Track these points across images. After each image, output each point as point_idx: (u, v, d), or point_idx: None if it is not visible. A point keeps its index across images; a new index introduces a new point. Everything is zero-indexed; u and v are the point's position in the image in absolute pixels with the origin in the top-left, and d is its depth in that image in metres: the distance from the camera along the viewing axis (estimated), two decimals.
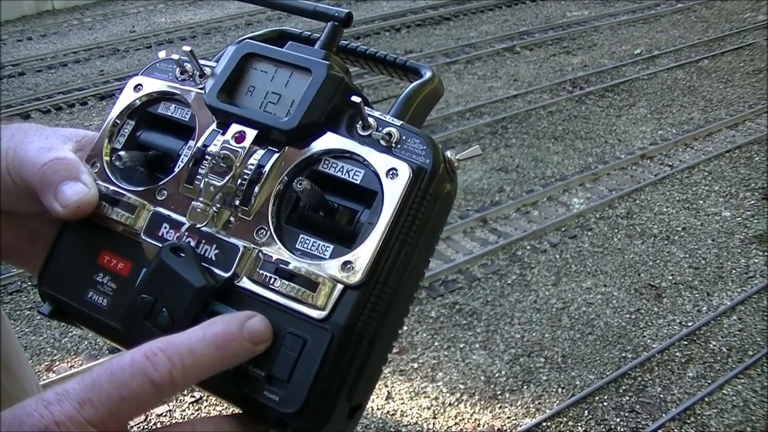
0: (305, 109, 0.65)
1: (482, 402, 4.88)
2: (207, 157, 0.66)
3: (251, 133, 0.66)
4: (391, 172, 0.62)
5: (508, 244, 6.41)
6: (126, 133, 0.74)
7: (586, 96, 9.45)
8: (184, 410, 4.78)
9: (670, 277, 6.07)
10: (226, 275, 0.63)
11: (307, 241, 0.64)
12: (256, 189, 0.65)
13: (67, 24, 13.39)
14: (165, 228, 0.66)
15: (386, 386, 4.98)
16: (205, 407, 4.80)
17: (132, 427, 0.59)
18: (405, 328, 5.41)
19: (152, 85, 0.74)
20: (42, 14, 13.96)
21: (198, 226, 0.65)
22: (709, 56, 10.67)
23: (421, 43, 11.61)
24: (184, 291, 0.61)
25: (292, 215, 0.65)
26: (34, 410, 0.52)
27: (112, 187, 0.70)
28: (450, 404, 4.87)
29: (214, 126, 0.68)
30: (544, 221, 6.77)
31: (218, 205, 0.65)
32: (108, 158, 0.72)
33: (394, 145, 0.64)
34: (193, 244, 0.65)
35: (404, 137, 0.65)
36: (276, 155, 0.66)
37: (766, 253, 6.32)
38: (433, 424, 4.73)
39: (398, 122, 0.66)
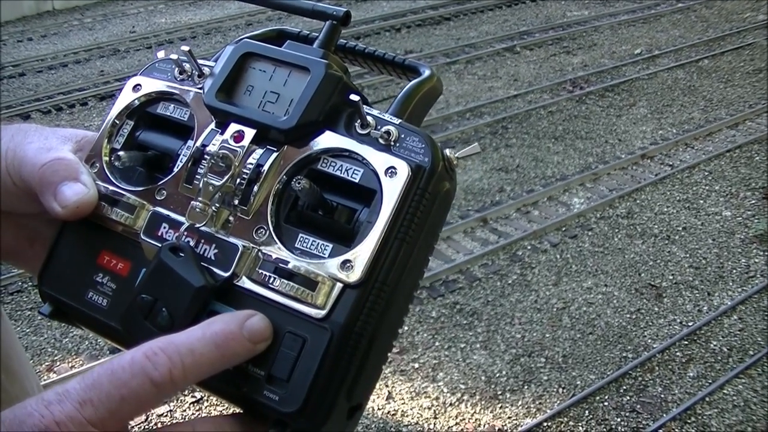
0: (304, 108, 0.65)
1: (483, 402, 4.88)
2: (206, 156, 0.66)
3: (250, 133, 0.66)
4: (390, 171, 0.62)
5: (508, 244, 6.41)
6: (125, 134, 0.74)
7: (587, 96, 9.45)
8: (184, 410, 4.78)
9: (671, 277, 6.07)
10: (226, 275, 0.63)
11: (307, 240, 0.64)
12: (255, 188, 0.65)
13: (67, 24, 13.39)
14: (164, 228, 0.66)
15: (387, 386, 4.98)
16: (206, 407, 4.81)
17: (132, 427, 0.59)
18: (405, 327, 5.41)
19: (151, 85, 0.74)
20: (42, 15, 13.96)
21: (197, 225, 0.65)
22: (710, 56, 10.67)
23: (421, 43, 11.61)
24: (184, 291, 0.61)
25: (291, 214, 0.65)
26: (34, 410, 0.52)
27: (111, 188, 0.70)
28: (451, 404, 4.87)
29: (212, 125, 0.68)
30: (544, 221, 6.77)
31: (217, 205, 0.65)
32: (107, 158, 0.72)
33: (392, 143, 0.64)
34: (192, 243, 0.65)
35: (403, 136, 0.64)
36: (275, 154, 0.66)
37: (766, 253, 6.32)
38: (434, 424, 4.73)
39: (397, 121, 0.66)
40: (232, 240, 0.64)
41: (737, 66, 10.33)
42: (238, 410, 0.64)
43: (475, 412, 4.80)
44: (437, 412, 4.81)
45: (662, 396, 4.88)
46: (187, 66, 0.73)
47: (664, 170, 7.69)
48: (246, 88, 0.69)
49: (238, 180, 0.65)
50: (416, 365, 5.17)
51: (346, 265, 0.61)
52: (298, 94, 0.66)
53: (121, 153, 0.70)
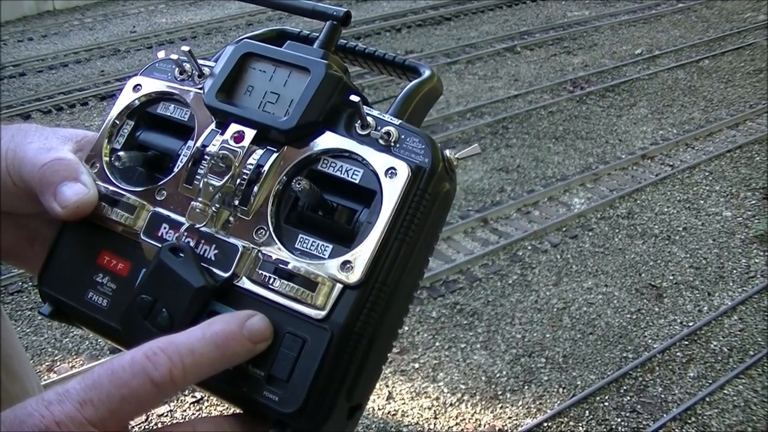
0: (304, 108, 0.65)
1: (483, 402, 4.88)
2: (206, 157, 0.66)
3: (250, 133, 0.66)
4: (390, 172, 0.62)
5: (509, 244, 6.41)
6: (125, 134, 0.74)
7: (587, 96, 9.45)
8: (185, 410, 4.78)
9: (671, 277, 6.07)
10: (226, 275, 0.63)
11: (307, 241, 0.64)
12: (255, 189, 0.65)
13: (67, 24, 13.40)
14: (164, 228, 0.66)
15: (387, 386, 4.98)
16: (206, 407, 4.81)
17: (133, 427, 0.59)
18: (405, 328, 5.41)
19: (151, 85, 0.74)
20: (43, 15, 13.96)
21: (197, 226, 0.65)
22: (710, 56, 10.67)
23: (421, 43, 11.61)
24: (184, 291, 0.61)
25: (291, 215, 0.65)
26: (34, 410, 0.52)
27: (111, 188, 0.70)
28: (451, 404, 4.87)
29: (213, 126, 0.68)
30: (545, 221, 6.77)
31: (217, 205, 0.65)
32: (107, 158, 0.72)
33: (393, 144, 0.64)
34: (192, 244, 0.65)
35: (403, 136, 0.64)
36: (275, 155, 0.66)
37: (766, 253, 6.32)
38: (434, 424, 4.73)
39: (397, 121, 0.66)
40: (232, 240, 0.64)
41: (738, 66, 10.33)
42: (238, 410, 0.64)
43: (475, 413, 4.80)
44: (437, 412, 4.82)
45: (662, 396, 4.88)
46: (187, 66, 0.73)
47: (665, 170, 7.69)
48: (246, 89, 0.69)
49: (239, 180, 0.65)
50: (416, 365, 5.17)
51: (346, 265, 0.61)
52: (299, 94, 0.66)
53: (121, 153, 0.70)
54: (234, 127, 0.66)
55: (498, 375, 5.09)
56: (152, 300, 0.62)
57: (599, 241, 6.55)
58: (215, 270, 0.63)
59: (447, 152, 0.65)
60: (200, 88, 0.71)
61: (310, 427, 0.60)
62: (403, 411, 4.82)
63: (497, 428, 4.70)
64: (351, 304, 0.60)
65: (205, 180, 0.65)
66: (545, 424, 4.69)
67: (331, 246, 0.63)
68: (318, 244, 0.63)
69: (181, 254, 0.63)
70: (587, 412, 4.77)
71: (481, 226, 6.73)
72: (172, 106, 0.73)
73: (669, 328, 5.50)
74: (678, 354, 5.23)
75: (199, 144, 0.68)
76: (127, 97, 0.74)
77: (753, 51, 10.83)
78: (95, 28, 13.22)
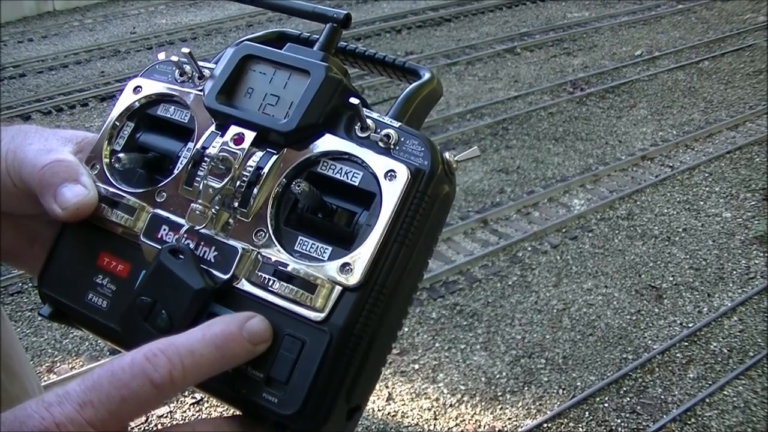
0: (303, 110, 0.65)
1: (483, 403, 4.88)
2: (206, 159, 0.66)
3: (250, 135, 0.66)
4: (389, 174, 0.62)
5: (508, 245, 6.41)
6: (125, 135, 0.74)
7: (587, 97, 9.46)
8: (184, 411, 4.78)
9: (671, 278, 6.07)
10: (225, 277, 0.63)
11: (306, 243, 0.64)
12: (255, 191, 0.65)
13: (67, 25, 13.40)
14: (164, 230, 0.66)
15: (387, 387, 4.98)
16: (206, 408, 4.81)
17: (133, 428, 0.59)
18: (405, 329, 5.41)
19: (151, 86, 0.74)
20: (43, 15, 13.96)
21: (197, 228, 0.65)
22: (710, 57, 10.67)
23: (421, 44, 11.62)
24: (183, 293, 0.61)
25: (291, 217, 0.65)
26: (34, 411, 0.52)
27: (111, 189, 0.70)
28: (451, 405, 4.87)
29: (213, 128, 0.68)
30: (544, 222, 6.77)
31: (217, 207, 0.65)
32: (107, 160, 0.72)
33: (392, 146, 0.64)
34: (192, 246, 0.65)
35: (403, 139, 0.65)
36: (275, 157, 0.66)
37: (766, 254, 6.32)
38: (434, 425, 4.73)
39: (397, 124, 0.66)
40: (231, 242, 0.64)
41: (737, 67, 10.33)
42: (237, 412, 0.64)
43: (475, 413, 4.80)
44: (437, 413, 4.81)
45: (662, 397, 4.88)
46: (187, 68, 0.73)
47: (665, 172, 7.69)
48: (246, 91, 0.69)
49: (238, 182, 0.65)
50: (416, 366, 5.17)
51: (345, 268, 0.61)
52: (298, 96, 0.66)
53: (121, 155, 0.70)
54: (234, 129, 0.67)
55: (498, 376, 5.09)
56: (152, 301, 0.62)
57: (599, 242, 6.55)
58: (215, 272, 0.63)
59: (446, 155, 0.65)
60: (200, 90, 0.71)
61: (309, 429, 0.60)
62: (402, 412, 4.82)
63: (497, 429, 4.70)
64: (350, 306, 0.60)
65: (205, 182, 0.65)
66: (545, 425, 4.69)
67: (330, 248, 0.63)
68: (317, 246, 0.63)
69: (180, 256, 0.63)
70: (587, 413, 4.77)
71: (481, 227, 6.73)
72: (173, 107, 0.73)
73: (669, 329, 5.50)
74: (678, 355, 5.23)
75: (199, 146, 0.68)
76: (127, 99, 0.74)
77: (753, 52, 10.84)
78: (95, 29, 13.22)
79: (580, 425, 4.68)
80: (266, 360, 0.60)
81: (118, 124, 0.74)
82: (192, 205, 0.65)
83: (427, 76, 0.73)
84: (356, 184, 0.64)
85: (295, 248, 0.64)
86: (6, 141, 0.72)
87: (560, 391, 4.95)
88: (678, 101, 9.38)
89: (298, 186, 0.62)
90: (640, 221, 6.85)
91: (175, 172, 0.69)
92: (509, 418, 4.76)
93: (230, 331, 0.58)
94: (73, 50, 11.80)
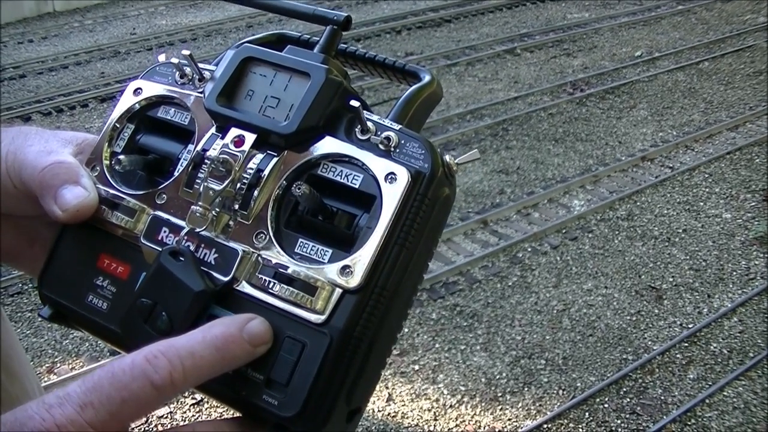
0: (304, 113, 0.65)
1: (483, 404, 4.88)
2: (206, 161, 0.66)
3: (250, 137, 0.66)
4: (389, 177, 0.62)
5: (508, 245, 6.41)
6: (126, 137, 0.74)
7: (587, 98, 9.46)
8: (184, 412, 4.78)
9: (671, 279, 6.07)
10: (226, 279, 0.63)
11: (306, 245, 0.64)
12: (255, 193, 0.65)
13: (67, 26, 13.40)
14: (164, 232, 0.66)
15: (387, 388, 4.98)
16: (206, 409, 4.81)
17: (133, 429, 0.59)
18: (405, 330, 5.41)
19: (152, 88, 0.74)
20: (43, 16, 13.97)
21: (197, 230, 0.65)
22: (710, 58, 10.68)
23: (421, 45, 11.62)
24: (184, 295, 0.61)
25: (291, 219, 0.65)
26: (35, 413, 0.52)
27: (111, 191, 0.70)
28: (451, 406, 4.87)
29: (213, 130, 0.68)
30: (544, 223, 6.78)
31: (217, 209, 0.65)
32: (108, 162, 0.72)
33: (392, 149, 0.64)
34: (192, 248, 0.65)
35: (403, 141, 0.65)
36: (275, 159, 0.66)
37: (766, 255, 6.32)
38: (434, 425, 4.73)
39: (397, 126, 0.66)
40: (232, 244, 0.64)
41: (737, 68, 10.34)
42: (237, 414, 0.64)
43: (475, 414, 4.80)
44: (437, 413, 4.82)
45: (662, 398, 4.88)
46: (187, 70, 0.74)
47: (665, 172, 7.69)
48: (247, 93, 0.69)
49: (239, 185, 0.65)
50: (416, 367, 5.17)
51: (345, 270, 0.61)
52: (299, 99, 0.66)
53: (121, 156, 0.71)
54: (234, 132, 0.67)
55: (498, 377, 5.09)
56: (152, 303, 0.62)
57: (599, 243, 6.55)
58: (215, 274, 0.64)
59: (447, 157, 0.65)
60: (201, 92, 0.71)
61: (309, 431, 0.60)
62: (402, 413, 4.82)
63: (497, 430, 4.70)
64: (350, 308, 0.60)
65: (206, 184, 0.65)
66: (545, 426, 4.69)
67: (330, 250, 0.63)
68: (318, 249, 0.64)
69: (181, 258, 0.63)
70: (587, 413, 4.77)
71: (481, 227, 6.73)
72: (173, 109, 0.73)
73: (669, 329, 5.50)
74: (678, 356, 5.24)
75: (199, 148, 0.68)
76: (127, 101, 0.74)
77: (753, 53, 10.84)
78: (95, 29, 13.22)
79: (580, 426, 4.68)
80: (266, 362, 0.60)
81: (118, 125, 0.74)
82: (192, 207, 0.65)
83: (427, 78, 0.73)
84: (356, 186, 0.64)
85: (296, 250, 0.64)
86: (6, 142, 0.72)
87: (560, 391, 4.96)
88: (678, 102, 9.39)
89: (299, 188, 0.62)
90: (640, 222, 6.86)
91: (176, 174, 0.69)
92: (509, 419, 4.76)
93: (230, 332, 0.58)
94: (73, 51, 11.80)
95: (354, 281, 0.60)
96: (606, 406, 4.82)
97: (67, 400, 0.53)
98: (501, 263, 6.24)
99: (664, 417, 4.71)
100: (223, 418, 0.63)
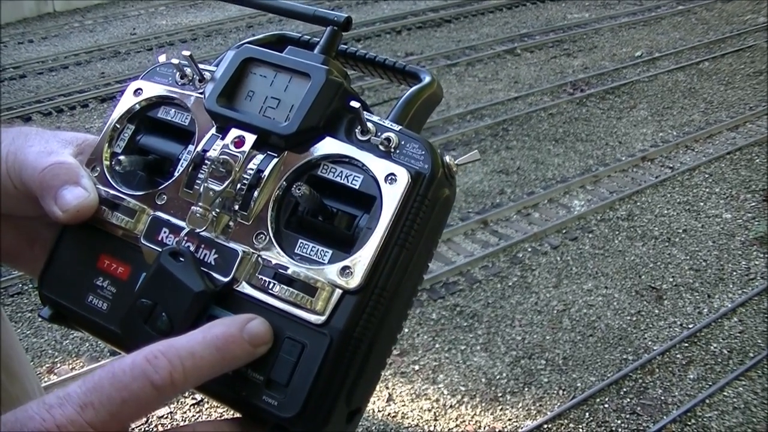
0: (304, 113, 0.65)
1: (483, 404, 4.88)
2: (206, 161, 0.66)
3: (250, 138, 0.66)
4: (389, 178, 0.62)
5: (508, 246, 6.41)
6: (126, 138, 0.74)
7: (587, 98, 9.46)
8: (185, 412, 4.78)
9: (671, 279, 6.07)
10: (226, 280, 0.63)
11: (306, 246, 0.64)
12: (256, 194, 0.65)
13: (68, 26, 13.40)
14: (164, 232, 0.66)
15: (387, 388, 4.98)
16: (206, 409, 4.81)
17: (133, 429, 0.59)
18: (405, 330, 5.41)
19: (152, 89, 0.74)
20: (43, 16, 13.97)
21: (197, 230, 0.65)
22: (710, 58, 10.68)
23: (421, 45, 11.62)
24: (184, 295, 0.62)
25: (291, 220, 0.65)
26: (35, 413, 0.52)
27: (112, 192, 0.70)
28: (451, 406, 4.87)
29: (213, 130, 0.69)
30: (544, 223, 6.78)
31: (217, 210, 0.65)
32: (108, 162, 0.72)
33: (392, 150, 0.64)
34: (192, 248, 0.65)
35: (403, 142, 0.65)
36: (275, 160, 0.66)
37: (766, 255, 6.32)
38: (434, 426, 4.73)
39: (397, 127, 0.66)
40: (232, 245, 0.64)
41: (737, 68, 10.34)
42: (237, 414, 0.64)
43: (475, 414, 4.80)
44: (437, 414, 4.82)
45: (662, 398, 4.88)
46: (188, 70, 0.74)
47: (665, 172, 7.69)
48: (247, 94, 0.69)
49: (239, 185, 0.65)
50: (416, 367, 5.17)
51: (345, 271, 0.61)
52: (299, 99, 0.66)
53: (121, 157, 0.71)
54: (234, 132, 0.67)
55: (498, 377, 5.09)
56: (152, 304, 0.62)
57: (599, 243, 6.55)
58: (215, 274, 0.64)
59: (447, 158, 0.65)
60: (201, 93, 0.71)
61: (308, 431, 0.60)
62: (403, 413, 4.82)
63: (497, 430, 4.70)
64: (350, 309, 0.60)
65: (206, 184, 0.65)
66: (545, 426, 4.69)
67: (330, 251, 0.63)
68: (318, 250, 0.64)
69: (181, 258, 0.63)
70: (587, 413, 4.77)
71: (481, 227, 6.74)
72: (173, 110, 0.73)
73: (669, 330, 5.50)
74: (678, 356, 5.24)
75: (199, 148, 0.68)
76: (127, 101, 0.75)
77: (753, 53, 10.84)
78: (95, 29, 13.23)
79: (580, 426, 4.68)
80: (266, 362, 0.60)
81: (118, 126, 0.74)
82: (192, 207, 0.66)
83: (427, 79, 0.73)
84: (357, 187, 0.64)
85: (296, 251, 0.64)
86: (6, 143, 0.72)
87: (560, 391, 4.96)
88: (678, 102, 9.39)
89: (299, 189, 0.62)
90: (640, 222, 6.86)
91: (176, 174, 0.69)
92: (509, 419, 4.76)
93: (231, 333, 0.58)
94: (73, 51, 11.81)
95: (354, 282, 0.60)
96: (606, 406, 4.82)
97: (68, 401, 0.53)
98: (501, 263, 6.25)
99: (665, 417, 4.71)
100: (223, 418, 0.63)
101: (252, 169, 0.65)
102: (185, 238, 0.65)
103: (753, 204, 7.12)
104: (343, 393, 0.61)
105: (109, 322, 0.67)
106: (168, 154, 0.72)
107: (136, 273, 0.67)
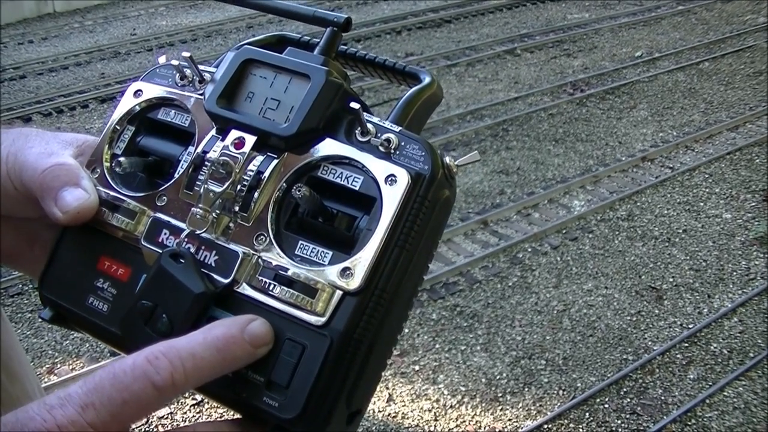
0: (304, 115, 0.65)
1: (483, 404, 4.88)
2: (206, 163, 0.66)
3: (250, 139, 0.66)
4: (389, 179, 0.62)
5: (509, 246, 6.41)
6: (126, 139, 0.74)
7: (587, 98, 9.46)
8: (185, 412, 4.78)
9: (671, 279, 6.07)
10: (226, 281, 0.63)
11: (307, 247, 0.64)
12: (256, 195, 0.65)
13: (68, 27, 13.40)
14: (165, 234, 0.66)
15: (387, 388, 4.98)
16: (206, 409, 4.81)
17: (133, 429, 0.59)
18: (406, 330, 5.41)
19: (152, 90, 0.74)
20: (43, 17, 13.97)
21: (197, 232, 0.65)
22: (710, 58, 10.68)
23: (421, 45, 11.62)
24: (184, 297, 0.61)
25: (292, 221, 0.65)
26: (36, 413, 0.52)
27: (112, 193, 0.70)
28: (451, 406, 4.87)
29: (213, 132, 0.69)
30: (545, 223, 6.78)
31: (218, 211, 0.65)
32: (108, 164, 0.72)
33: (392, 151, 0.64)
34: (192, 250, 0.65)
35: (403, 143, 0.65)
36: (275, 161, 0.66)
37: (766, 255, 6.32)
38: (434, 426, 4.73)
39: (397, 128, 0.66)
40: (232, 247, 0.64)
41: (737, 68, 10.34)
42: (238, 415, 0.64)
43: (475, 414, 4.80)
44: (438, 414, 4.82)
45: (662, 398, 4.88)
46: (188, 72, 0.73)
47: (665, 173, 7.69)
48: (247, 95, 0.69)
49: (239, 187, 0.65)
50: (417, 367, 5.17)
51: (345, 272, 0.61)
52: (299, 101, 0.66)
53: (122, 158, 0.70)
54: (234, 134, 0.67)
55: (498, 377, 5.09)
56: (152, 305, 0.62)
57: (599, 243, 6.55)
58: (215, 276, 0.64)
59: (447, 159, 0.65)
60: (201, 94, 0.71)
61: None
62: (403, 413, 4.82)
63: (497, 430, 4.70)
64: (351, 310, 0.60)
65: (206, 186, 0.65)
66: (545, 426, 4.69)
67: (331, 252, 0.63)
68: (318, 251, 0.64)
69: (181, 260, 0.63)
70: (587, 414, 4.77)
71: (481, 228, 6.73)
72: (173, 111, 0.73)
73: (669, 330, 5.50)
74: (678, 356, 5.24)
75: (199, 150, 0.68)
76: (127, 103, 0.75)
77: (753, 53, 10.84)
78: (95, 30, 13.23)
79: (580, 426, 4.68)
80: (267, 364, 0.60)
81: (118, 127, 0.74)
82: (192, 209, 0.66)
83: (427, 80, 0.73)
84: (357, 188, 0.64)
85: (296, 252, 0.64)
86: (7, 144, 0.72)
87: (560, 392, 4.96)
88: (678, 102, 9.39)
89: (299, 190, 0.62)
90: (641, 222, 6.86)
91: (176, 176, 0.69)
92: (509, 419, 4.76)
93: (232, 333, 0.58)
94: (73, 52, 11.81)
95: (354, 283, 0.60)
96: (606, 406, 4.82)
97: (69, 401, 0.53)
98: (501, 264, 6.25)
99: (665, 417, 4.71)
100: (223, 419, 0.63)
101: (252, 171, 0.65)
102: (185, 239, 0.65)
103: (753, 204, 7.13)
104: (344, 394, 0.61)
105: (110, 323, 0.67)
106: (168, 155, 0.71)
107: (136, 274, 0.67)
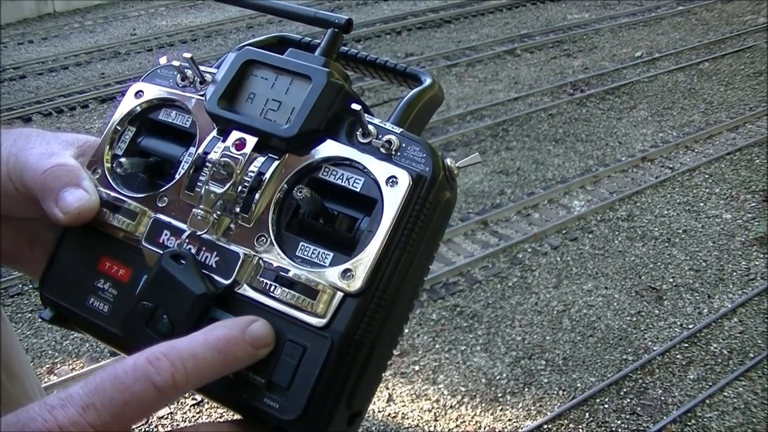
0: (305, 116, 0.65)
1: (483, 404, 4.88)
2: (207, 164, 0.66)
3: (251, 141, 0.66)
4: (390, 180, 0.62)
5: (509, 246, 6.41)
6: (127, 140, 0.74)
7: (587, 98, 9.46)
8: (185, 413, 4.78)
9: (671, 280, 6.07)
10: (227, 282, 0.63)
11: (308, 249, 0.64)
12: (257, 196, 0.65)
13: (68, 27, 13.40)
14: (166, 235, 0.66)
15: (387, 389, 4.99)
16: (206, 410, 4.81)
17: (134, 430, 0.59)
18: (406, 331, 5.40)
19: (153, 91, 0.74)
20: (43, 17, 13.97)
21: (198, 233, 0.65)
22: (710, 59, 10.68)
23: (421, 45, 11.62)
24: (185, 298, 0.61)
25: (293, 222, 0.65)
26: (37, 414, 0.52)
27: (113, 194, 0.70)
28: (451, 406, 4.87)
29: (214, 133, 0.69)
30: (544, 224, 6.77)
31: (219, 213, 0.65)
32: (109, 164, 0.72)
33: (393, 152, 0.64)
34: (193, 251, 0.65)
35: (404, 145, 0.65)
36: (276, 162, 0.66)
37: (766, 256, 6.32)
38: (434, 426, 4.73)
39: (398, 129, 0.66)
40: (233, 248, 0.64)
41: (737, 69, 10.34)
42: (238, 416, 0.64)
43: (475, 415, 4.80)
44: (437, 414, 4.82)
45: (662, 398, 4.88)
46: (189, 72, 0.73)
47: (665, 173, 7.69)
48: (248, 96, 0.69)
49: (240, 188, 0.65)
50: (417, 368, 5.17)
51: (346, 274, 0.61)
52: (300, 102, 0.66)
53: (122, 159, 0.70)
54: (235, 135, 0.67)
55: (498, 377, 5.09)
56: (153, 306, 0.62)
57: (599, 244, 6.55)
58: (216, 277, 0.64)
59: (448, 161, 0.65)
60: (202, 95, 0.71)
61: None
62: (403, 413, 4.82)
63: (497, 430, 4.70)
64: (351, 312, 0.60)
65: (207, 187, 0.65)
66: (545, 426, 4.69)
67: (331, 254, 0.63)
68: (319, 252, 0.64)
69: (182, 261, 0.63)
70: (587, 414, 4.77)
71: (481, 228, 6.73)
72: (174, 112, 0.73)
73: (669, 330, 5.50)
74: (678, 356, 5.24)
75: (200, 151, 0.68)
76: (128, 103, 0.75)
77: (753, 54, 10.84)
78: (95, 30, 13.23)
79: (580, 426, 4.68)
80: (268, 365, 0.60)
81: (119, 128, 0.74)
82: (193, 210, 0.66)
83: (428, 81, 0.73)
84: (358, 190, 0.64)
85: (297, 254, 0.64)
86: (7, 144, 0.72)
87: (560, 392, 4.96)
88: (678, 102, 9.39)
89: (300, 191, 0.62)
90: (641, 222, 6.85)
91: (177, 177, 0.69)
92: (509, 420, 4.76)
93: (233, 334, 0.58)
94: (73, 52, 11.81)
95: (355, 285, 0.60)
96: (606, 406, 4.82)
97: (70, 402, 0.53)
98: (501, 264, 6.25)
99: (665, 417, 4.71)
100: (224, 420, 0.63)
101: (253, 172, 0.65)
102: (186, 240, 0.65)
103: (753, 204, 7.13)
104: (344, 396, 0.61)
105: (110, 324, 0.67)
106: (169, 156, 0.72)
107: (137, 275, 0.67)
